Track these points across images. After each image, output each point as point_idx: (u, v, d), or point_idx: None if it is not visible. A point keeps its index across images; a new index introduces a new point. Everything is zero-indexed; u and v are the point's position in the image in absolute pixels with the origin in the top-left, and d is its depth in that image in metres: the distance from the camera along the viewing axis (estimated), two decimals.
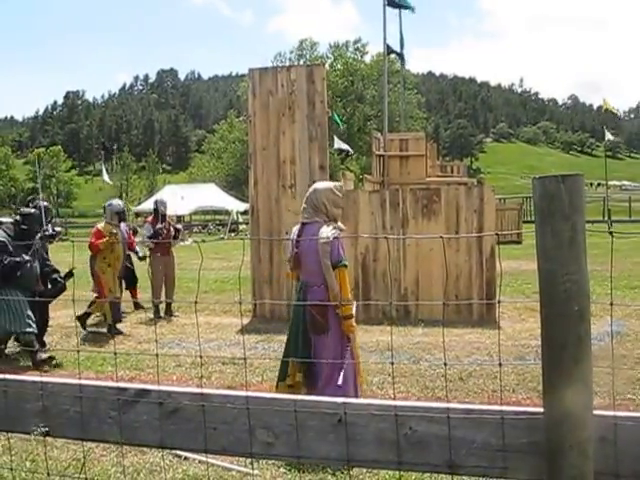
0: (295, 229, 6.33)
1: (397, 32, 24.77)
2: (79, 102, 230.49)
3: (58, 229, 10.79)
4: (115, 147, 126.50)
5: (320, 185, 6.57)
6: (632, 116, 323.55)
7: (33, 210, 9.64)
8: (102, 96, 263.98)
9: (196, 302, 3.24)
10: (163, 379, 7.95)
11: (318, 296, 5.97)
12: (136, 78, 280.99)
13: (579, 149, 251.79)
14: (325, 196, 6.25)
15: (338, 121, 31.38)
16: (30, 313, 9.20)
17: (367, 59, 72.02)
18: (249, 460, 5.19)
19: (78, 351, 8.02)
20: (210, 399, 2.36)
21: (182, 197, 52.70)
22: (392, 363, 6.95)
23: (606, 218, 39.10)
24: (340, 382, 5.89)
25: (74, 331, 11.26)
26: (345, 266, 6.04)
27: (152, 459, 5.56)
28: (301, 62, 71.14)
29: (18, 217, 9.59)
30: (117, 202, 12.43)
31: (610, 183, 54.23)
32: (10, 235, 9.30)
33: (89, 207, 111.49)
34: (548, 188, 2.01)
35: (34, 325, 9.17)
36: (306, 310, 6.00)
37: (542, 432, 2.04)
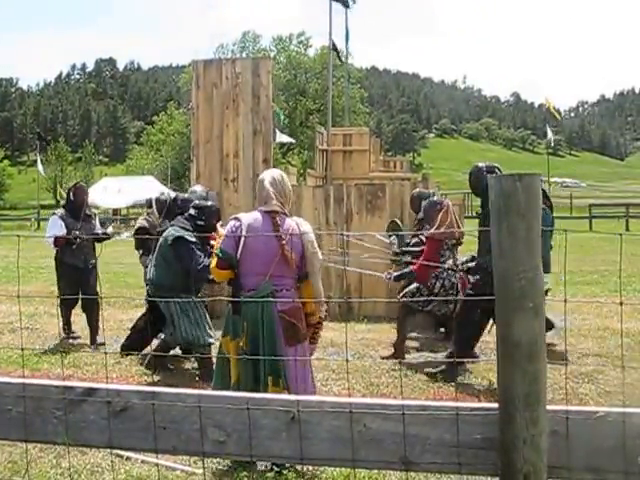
0: (249, 222, 5.43)
1: (342, 26, 24.83)
2: (12, 90, 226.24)
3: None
4: (50, 137, 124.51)
5: (280, 173, 5.92)
6: (572, 115, 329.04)
7: (210, 203, 8.43)
8: (37, 84, 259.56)
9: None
10: (103, 377, 7.86)
11: (289, 302, 5.36)
12: (73, 67, 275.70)
13: (521, 146, 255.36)
14: (289, 187, 5.75)
15: (281, 116, 31.28)
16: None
17: (311, 53, 72.05)
18: (193, 459, 5.17)
19: (22, 349, 7.86)
20: (160, 397, 2.33)
21: (119, 190, 52.04)
22: (347, 360, 6.93)
23: None
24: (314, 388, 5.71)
25: (6, 327, 11.08)
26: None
27: (93, 460, 5.49)
28: (244, 55, 70.81)
29: (193, 211, 8.20)
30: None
31: (552, 180, 55.03)
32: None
33: (22, 199, 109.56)
34: (505, 187, 2.05)
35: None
36: (277, 319, 5.32)
37: (496, 428, 2.08)
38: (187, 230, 7.95)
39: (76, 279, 10.17)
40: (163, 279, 8.14)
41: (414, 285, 8.76)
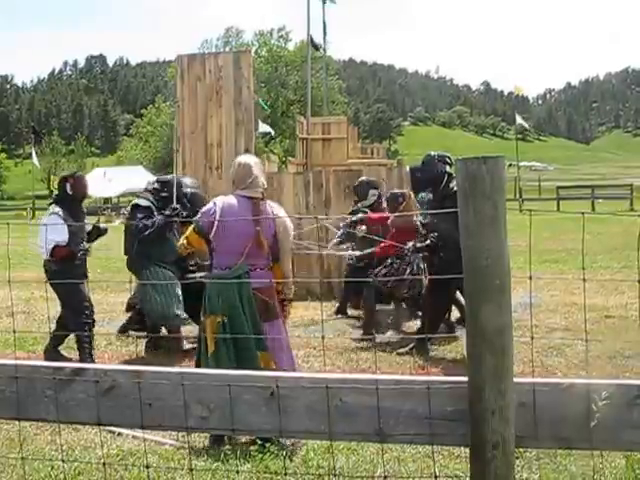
0: (224, 205, 5.45)
1: (320, 19, 24.72)
2: (8, 86, 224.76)
3: None
4: (45, 131, 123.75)
5: (256, 158, 5.99)
6: (540, 102, 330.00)
7: (170, 177, 8.61)
8: (31, 81, 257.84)
9: (130, 281, 3.20)
10: (96, 358, 7.83)
11: (264, 281, 5.44)
12: (65, 63, 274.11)
13: (491, 132, 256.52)
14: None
15: (264, 106, 31.20)
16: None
17: (290, 46, 71.83)
18: (182, 434, 5.15)
19: (14, 331, 7.81)
20: (145, 376, 2.34)
21: (110, 180, 51.87)
22: (323, 337, 6.93)
23: (518, 197, 39.77)
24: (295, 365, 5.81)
25: (4, 312, 11.01)
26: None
27: (86, 436, 5.47)
28: (227, 49, 70.44)
29: (157, 184, 8.39)
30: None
31: (521, 164, 55.17)
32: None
33: (18, 190, 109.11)
34: (470, 169, 2.03)
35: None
36: (252, 296, 5.33)
37: (466, 400, 2.07)
38: (147, 200, 8.18)
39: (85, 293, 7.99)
40: (130, 250, 8.16)
41: (384, 267, 8.79)
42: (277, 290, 5.64)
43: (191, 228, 5.67)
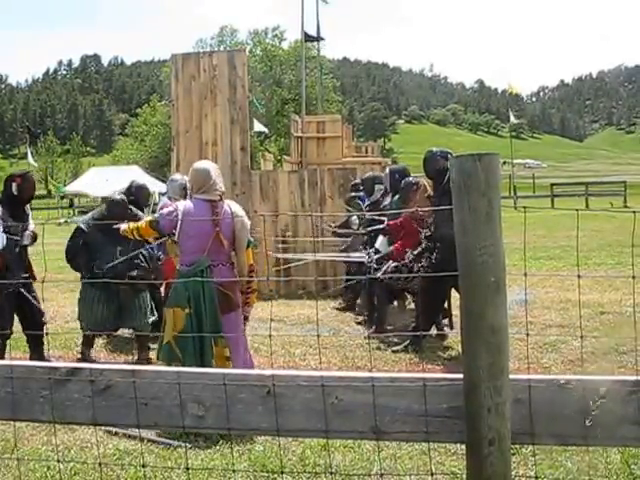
0: (185, 208, 5.82)
1: (314, 19, 24.72)
2: (2, 86, 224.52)
3: None
4: (40, 131, 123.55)
5: (213, 163, 6.41)
6: (534, 99, 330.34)
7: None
8: (26, 80, 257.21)
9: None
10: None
11: (226, 274, 5.83)
12: (60, 63, 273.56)
13: (486, 130, 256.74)
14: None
15: (258, 105, 31.20)
16: None
17: (285, 45, 71.76)
18: (178, 433, 5.14)
19: (10, 332, 7.77)
20: (141, 375, 2.32)
21: (106, 179, 51.80)
22: (318, 335, 6.93)
23: (512, 194, 39.81)
24: (248, 358, 6.09)
25: None
26: (255, 246, 6.27)
27: (83, 436, 5.45)
28: (222, 48, 70.38)
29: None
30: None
31: (515, 161, 55.21)
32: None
33: None
34: (465, 166, 2.03)
35: None
36: (214, 289, 5.68)
37: (462, 397, 2.07)
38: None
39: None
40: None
41: (393, 264, 8.72)
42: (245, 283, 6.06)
43: (147, 221, 6.11)
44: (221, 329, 5.68)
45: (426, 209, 8.29)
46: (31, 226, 7.77)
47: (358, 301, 10.59)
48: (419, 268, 8.45)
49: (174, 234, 5.84)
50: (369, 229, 9.57)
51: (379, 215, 9.21)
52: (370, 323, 9.28)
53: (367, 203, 10.29)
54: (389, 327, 9.23)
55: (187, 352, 5.58)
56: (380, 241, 9.36)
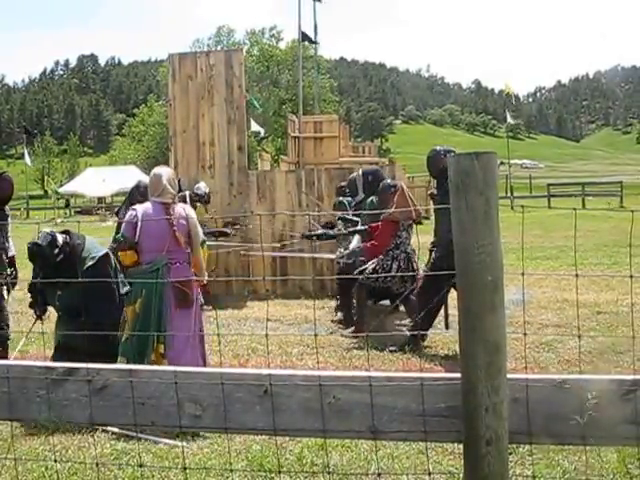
0: (144, 210, 6.21)
1: (311, 19, 24.74)
2: None
3: None
4: (37, 131, 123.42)
5: (171, 170, 6.99)
6: (531, 100, 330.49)
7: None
8: (22, 80, 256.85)
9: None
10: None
11: (184, 272, 6.13)
12: (57, 63, 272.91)
13: (482, 130, 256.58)
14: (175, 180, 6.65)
15: (256, 104, 31.19)
16: None
17: (282, 45, 71.71)
18: (175, 433, 5.13)
19: (10, 332, 7.74)
20: (138, 375, 2.33)
21: (104, 179, 51.80)
22: (315, 335, 6.95)
23: (509, 194, 39.79)
24: (199, 355, 6.34)
25: None
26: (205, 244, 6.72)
27: (80, 435, 5.44)
28: (219, 48, 70.33)
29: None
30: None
31: (512, 162, 55.21)
32: None
33: None
34: (463, 165, 2.03)
35: None
36: (169, 286, 6.05)
37: (459, 396, 2.06)
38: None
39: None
40: None
41: (372, 264, 8.72)
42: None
43: (118, 246, 6.37)
44: (165, 327, 6.06)
45: (404, 209, 8.30)
46: (11, 251, 7.74)
47: (333, 302, 10.52)
48: (396, 270, 8.47)
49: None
50: (349, 230, 9.62)
51: (357, 216, 9.28)
52: (347, 323, 9.28)
53: (353, 203, 10.29)
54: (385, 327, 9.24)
55: (127, 353, 6.08)
56: (355, 240, 9.42)
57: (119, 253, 6.35)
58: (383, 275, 8.49)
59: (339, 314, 9.97)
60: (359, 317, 9.06)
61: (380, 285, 8.74)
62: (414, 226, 8.85)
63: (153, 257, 6.09)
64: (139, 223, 6.09)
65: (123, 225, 6.34)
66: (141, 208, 6.26)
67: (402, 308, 9.57)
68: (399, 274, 8.48)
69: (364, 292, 8.94)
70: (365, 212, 9.21)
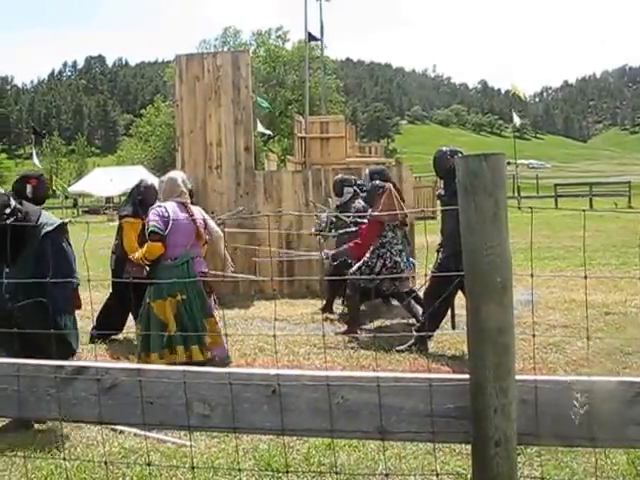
0: (172, 208, 6.81)
1: (317, 20, 24.78)
2: (8, 87, 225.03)
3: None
4: (45, 131, 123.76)
5: (181, 172, 7.81)
6: (537, 100, 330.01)
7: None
8: (31, 82, 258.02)
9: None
10: (98, 356, 7.80)
11: (203, 266, 7.05)
12: (65, 64, 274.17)
13: (489, 130, 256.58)
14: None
15: (264, 105, 31.23)
16: None
17: (288, 46, 71.69)
18: (184, 432, 5.14)
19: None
20: (147, 374, 2.33)
21: (111, 179, 51.86)
22: (323, 335, 6.99)
23: (516, 194, 39.71)
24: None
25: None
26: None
27: (89, 434, 5.45)
28: (225, 49, 70.33)
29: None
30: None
31: (519, 162, 55.09)
32: None
33: None
34: (471, 166, 2.02)
35: None
36: (196, 279, 6.76)
37: (468, 397, 2.06)
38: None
39: None
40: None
41: (358, 264, 8.74)
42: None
43: (149, 239, 6.77)
44: (209, 310, 6.93)
45: (392, 213, 8.30)
46: None
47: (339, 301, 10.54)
48: (380, 268, 8.48)
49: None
50: (340, 232, 9.67)
51: (346, 217, 9.31)
52: (348, 324, 9.30)
53: (336, 204, 10.35)
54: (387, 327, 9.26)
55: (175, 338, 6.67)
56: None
57: (148, 244, 6.77)
58: (373, 277, 8.49)
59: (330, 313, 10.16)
60: (352, 317, 9.06)
61: (367, 284, 8.72)
62: (414, 226, 8.88)
63: (179, 252, 6.75)
64: (170, 219, 6.66)
65: (154, 218, 6.72)
66: (169, 206, 6.85)
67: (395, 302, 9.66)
68: (388, 276, 8.49)
69: (355, 292, 8.94)
70: (351, 214, 9.31)
